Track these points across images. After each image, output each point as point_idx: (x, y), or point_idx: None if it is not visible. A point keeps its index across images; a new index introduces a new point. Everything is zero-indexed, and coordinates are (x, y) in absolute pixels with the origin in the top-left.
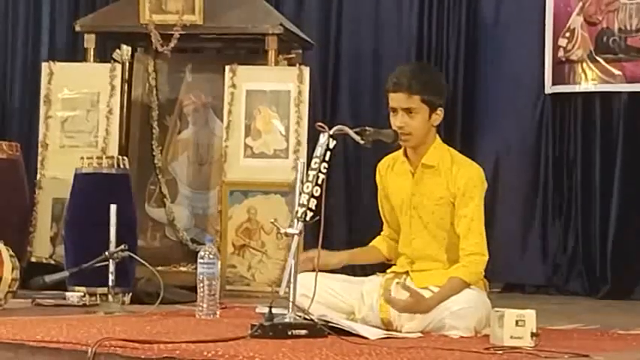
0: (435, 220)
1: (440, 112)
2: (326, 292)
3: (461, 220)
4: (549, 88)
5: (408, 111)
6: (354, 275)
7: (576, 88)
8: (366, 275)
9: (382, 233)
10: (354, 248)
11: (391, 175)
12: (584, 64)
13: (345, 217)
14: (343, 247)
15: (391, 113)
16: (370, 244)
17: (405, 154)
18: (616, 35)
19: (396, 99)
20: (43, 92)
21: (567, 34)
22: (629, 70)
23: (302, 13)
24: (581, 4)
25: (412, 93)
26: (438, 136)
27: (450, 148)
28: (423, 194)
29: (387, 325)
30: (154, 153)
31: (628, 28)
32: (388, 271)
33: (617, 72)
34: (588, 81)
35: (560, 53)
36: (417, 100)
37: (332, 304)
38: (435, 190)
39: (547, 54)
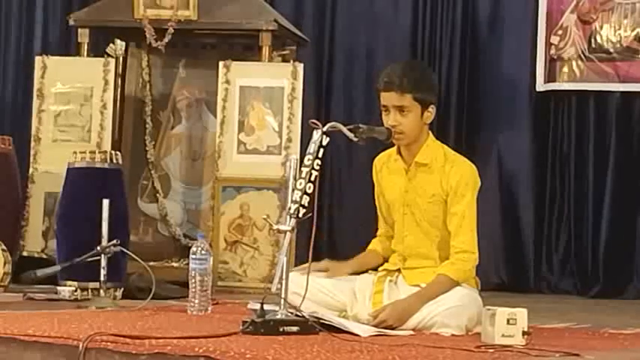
0: (427, 218)
1: (432, 109)
2: (318, 290)
3: (452, 217)
4: (541, 86)
5: (400, 109)
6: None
7: (566, 86)
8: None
9: (378, 233)
10: (350, 258)
11: (385, 172)
12: (576, 63)
13: (335, 215)
14: (330, 247)
15: (383, 112)
16: (368, 248)
17: (399, 151)
18: (610, 34)
19: (387, 97)
20: (36, 86)
21: (559, 32)
22: (623, 69)
23: (296, 9)
24: (575, 2)
25: (404, 91)
26: (431, 133)
27: (444, 146)
28: (416, 192)
29: None
30: (147, 148)
31: (622, 27)
32: (380, 268)
33: (610, 71)
34: (579, 79)
35: (552, 51)
36: (408, 99)
37: (324, 301)
38: (428, 187)
39: (539, 52)
